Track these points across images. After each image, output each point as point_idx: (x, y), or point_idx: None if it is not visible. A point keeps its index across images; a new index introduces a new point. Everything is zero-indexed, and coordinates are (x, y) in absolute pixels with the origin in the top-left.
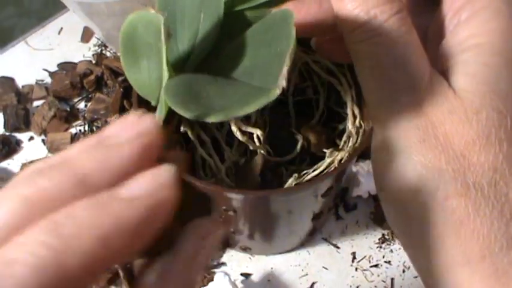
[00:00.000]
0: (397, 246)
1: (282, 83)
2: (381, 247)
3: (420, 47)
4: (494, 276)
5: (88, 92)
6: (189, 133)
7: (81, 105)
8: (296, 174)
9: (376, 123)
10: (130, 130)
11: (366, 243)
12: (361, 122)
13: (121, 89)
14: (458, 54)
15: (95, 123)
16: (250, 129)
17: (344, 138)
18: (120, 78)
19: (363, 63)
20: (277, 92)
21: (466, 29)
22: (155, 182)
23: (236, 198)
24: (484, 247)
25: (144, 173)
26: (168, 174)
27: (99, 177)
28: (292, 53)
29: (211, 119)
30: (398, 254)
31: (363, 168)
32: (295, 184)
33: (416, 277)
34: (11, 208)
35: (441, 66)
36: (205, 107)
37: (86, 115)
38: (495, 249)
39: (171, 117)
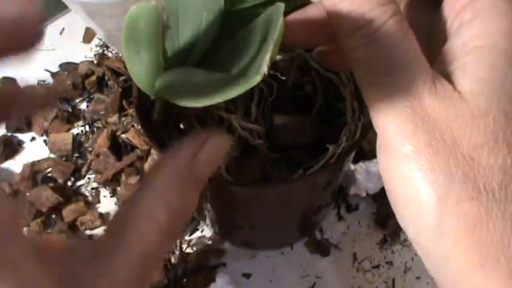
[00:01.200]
0: (398, 247)
1: (264, 69)
2: (382, 248)
3: (419, 51)
4: (509, 278)
5: (89, 93)
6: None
7: (83, 105)
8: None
9: (380, 130)
10: None
11: (367, 244)
12: (360, 116)
13: (119, 89)
14: (462, 57)
15: (95, 124)
16: (250, 126)
17: (343, 132)
18: (120, 79)
19: (362, 69)
20: (258, 78)
21: (469, 31)
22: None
23: (237, 192)
24: (498, 250)
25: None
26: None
27: None
28: (277, 40)
29: (196, 104)
30: (399, 255)
31: (361, 167)
32: (295, 177)
33: (417, 278)
34: None
35: (445, 69)
36: (191, 95)
37: (86, 116)
38: (509, 252)
39: (170, 113)
